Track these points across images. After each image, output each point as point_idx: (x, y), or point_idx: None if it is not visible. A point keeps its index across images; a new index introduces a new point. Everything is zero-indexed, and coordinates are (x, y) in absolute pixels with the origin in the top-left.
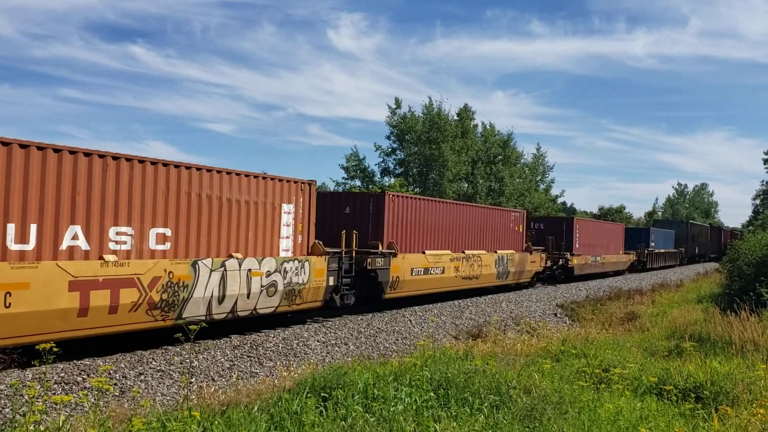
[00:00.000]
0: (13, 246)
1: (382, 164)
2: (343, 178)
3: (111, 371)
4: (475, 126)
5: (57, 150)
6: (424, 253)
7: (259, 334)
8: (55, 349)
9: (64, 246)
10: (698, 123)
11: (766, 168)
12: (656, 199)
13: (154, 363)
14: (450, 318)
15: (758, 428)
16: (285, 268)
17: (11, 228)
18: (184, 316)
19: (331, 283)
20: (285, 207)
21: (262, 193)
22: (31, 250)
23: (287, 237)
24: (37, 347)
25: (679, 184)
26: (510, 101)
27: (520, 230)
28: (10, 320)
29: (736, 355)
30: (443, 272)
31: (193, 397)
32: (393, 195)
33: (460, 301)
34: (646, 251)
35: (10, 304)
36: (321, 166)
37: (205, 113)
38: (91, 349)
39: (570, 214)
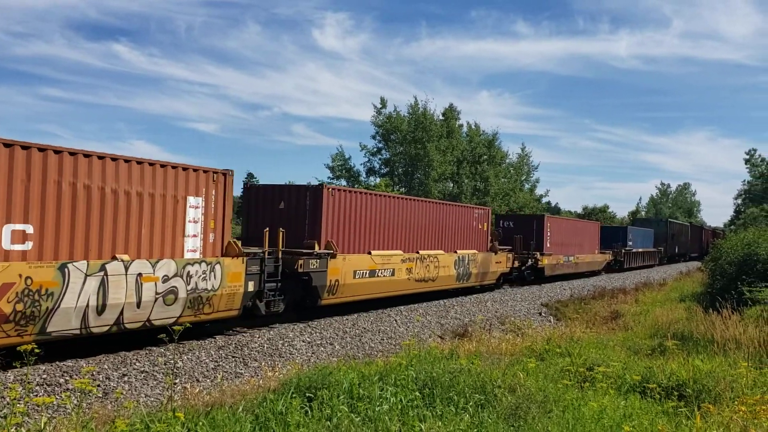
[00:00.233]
0: None
1: (368, 164)
2: (329, 178)
3: (94, 372)
4: (461, 126)
5: None
6: (369, 253)
7: (244, 334)
8: (36, 351)
9: None
10: (681, 123)
11: (747, 168)
12: (640, 199)
13: (137, 364)
14: (435, 318)
15: (740, 425)
16: (189, 271)
17: None
18: (49, 330)
19: (250, 288)
20: (192, 200)
21: (160, 184)
22: None
23: (194, 235)
24: (18, 348)
25: (662, 184)
26: (495, 101)
27: (485, 229)
28: None
29: (719, 353)
30: (393, 274)
31: (178, 398)
32: (333, 189)
33: (445, 300)
34: (623, 251)
35: None
36: (306, 166)
37: (189, 112)
38: (74, 351)
39: (554, 213)
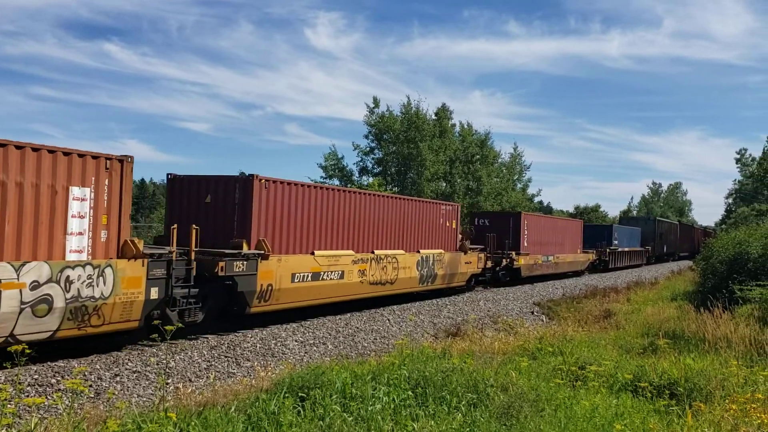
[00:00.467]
0: None
1: (361, 163)
2: (322, 177)
3: (86, 373)
4: (453, 125)
5: None
6: (313, 254)
7: (236, 334)
8: (27, 351)
9: None
10: (672, 123)
11: (738, 167)
12: (631, 198)
13: (130, 364)
14: (428, 317)
15: (731, 424)
16: (68, 276)
17: None
18: None
19: (154, 296)
20: (76, 191)
21: (31, 172)
22: None
23: (80, 233)
24: (9, 349)
25: (654, 183)
26: (487, 101)
27: (453, 226)
28: None
29: (710, 351)
30: (342, 277)
31: (170, 398)
32: (266, 180)
33: (438, 299)
34: (607, 250)
35: None
36: (299, 165)
37: (181, 112)
38: (66, 351)
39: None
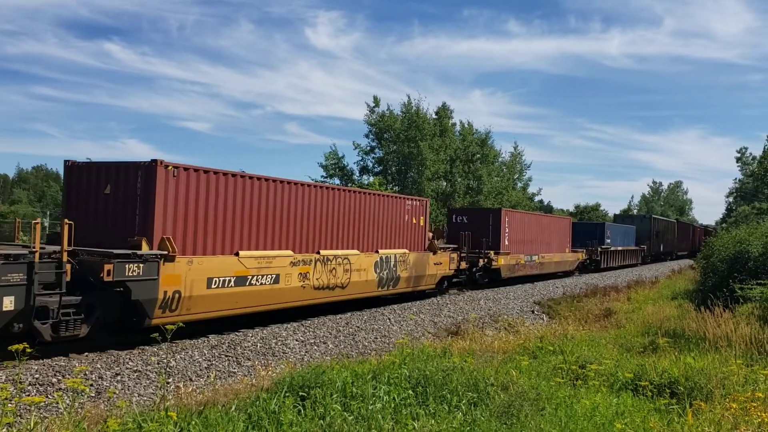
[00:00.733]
0: None
1: (361, 162)
2: (322, 176)
3: (87, 372)
4: (454, 124)
5: None
6: (237, 255)
7: (237, 333)
8: (28, 350)
9: None
10: (672, 122)
11: (738, 166)
12: (632, 197)
13: (130, 363)
14: (429, 316)
15: (731, 423)
16: None
17: None
18: None
19: (8, 306)
20: None
21: None
22: None
23: None
24: (9, 348)
25: (654, 182)
26: (487, 100)
27: (421, 224)
28: None
29: (710, 350)
30: (277, 281)
31: (170, 397)
32: (174, 167)
33: (438, 298)
34: (599, 249)
35: None
36: (300, 164)
37: (181, 111)
38: (67, 350)
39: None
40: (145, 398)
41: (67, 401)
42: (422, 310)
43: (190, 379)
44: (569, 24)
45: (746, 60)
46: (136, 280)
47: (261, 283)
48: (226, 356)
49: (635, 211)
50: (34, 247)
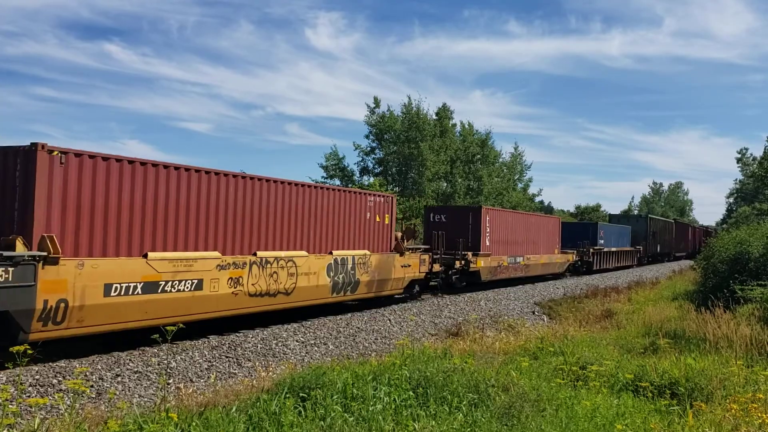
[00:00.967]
0: None
1: (362, 163)
2: (323, 177)
3: (87, 373)
4: (454, 125)
5: None
6: (145, 256)
7: (237, 334)
8: (29, 351)
9: None
10: (672, 122)
11: (739, 167)
12: (632, 198)
13: (131, 364)
14: (429, 317)
15: (732, 424)
16: None
17: None
18: None
19: None
20: None
21: None
22: None
23: None
24: (11, 349)
25: (655, 183)
26: (488, 101)
27: (387, 222)
28: None
29: (711, 351)
30: (200, 287)
31: (171, 398)
32: (61, 153)
33: (438, 299)
34: (591, 250)
35: None
36: (300, 165)
37: (182, 112)
38: (67, 351)
39: (548, 212)
40: (146, 399)
41: (68, 402)
42: (422, 311)
43: (191, 380)
44: (570, 24)
45: (747, 60)
46: (4, 287)
47: (178, 290)
48: (227, 357)
49: (636, 212)
50: None
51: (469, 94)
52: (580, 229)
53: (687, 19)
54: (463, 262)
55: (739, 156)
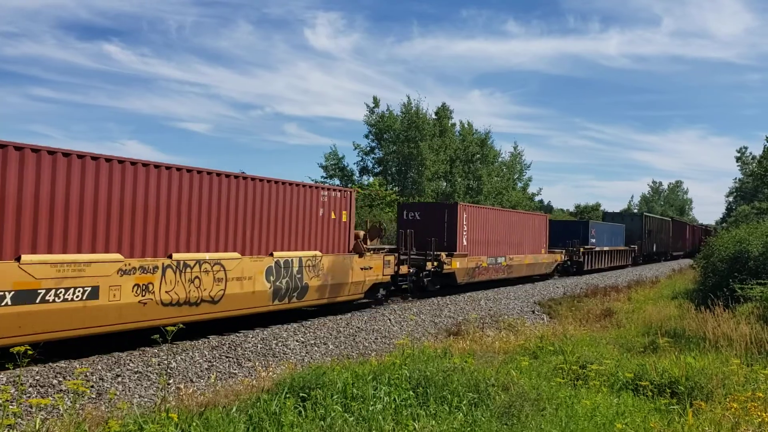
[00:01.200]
0: None
1: (361, 163)
2: (322, 177)
3: (87, 373)
4: (453, 125)
5: None
6: (18, 260)
7: (237, 334)
8: (30, 352)
9: None
10: (670, 121)
11: (738, 166)
12: (631, 197)
13: (131, 364)
14: (429, 316)
15: (732, 422)
16: None
17: None
18: None
19: None
20: None
21: None
22: None
23: None
24: (11, 350)
25: (654, 182)
26: (486, 100)
27: (344, 219)
28: None
29: (711, 350)
30: (95, 296)
31: (171, 398)
32: None
33: (438, 298)
34: (581, 249)
35: None
36: (300, 165)
37: (180, 112)
38: (68, 351)
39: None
40: (146, 399)
41: (68, 403)
42: (422, 311)
43: (191, 381)
44: (568, 24)
45: (745, 60)
46: None
47: (65, 299)
48: (227, 357)
49: (636, 211)
50: None
51: (468, 94)
52: (570, 228)
53: (685, 18)
54: (435, 263)
55: (739, 155)
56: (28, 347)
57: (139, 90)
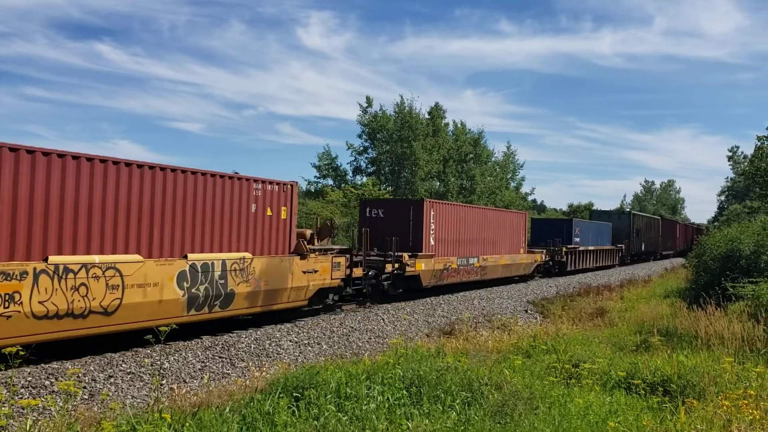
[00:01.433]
0: None
1: (354, 163)
2: (315, 176)
3: (80, 374)
4: (446, 124)
5: None
6: None
7: (231, 334)
8: (21, 353)
9: None
10: (663, 121)
11: (730, 165)
12: (624, 196)
13: (124, 365)
14: (423, 316)
15: (723, 420)
16: None
17: None
18: None
19: None
20: None
21: None
22: None
23: None
24: (2, 351)
25: (647, 181)
26: (480, 100)
27: (283, 216)
28: None
29: (703, 348)
30: None
31: (164, 399)
32: None
33: (432, 298)
34: (564, 249)
35: None
36: (293, 164)
37: (173, 112)
38: (60, 352)
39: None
40: (139, 400)
41: (60, 404)
42: (416, 310)
43: (184, 381)
44: (561, 23)
45: (737, 59)
46: None
47: None
48: (220, 357)
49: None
50: None
51: (461, 93)
52: (552, 226)
53: (677, 18)
54: (396, 265)
55: (730, 154)
56: (20, 348)
57: (131, 90)
